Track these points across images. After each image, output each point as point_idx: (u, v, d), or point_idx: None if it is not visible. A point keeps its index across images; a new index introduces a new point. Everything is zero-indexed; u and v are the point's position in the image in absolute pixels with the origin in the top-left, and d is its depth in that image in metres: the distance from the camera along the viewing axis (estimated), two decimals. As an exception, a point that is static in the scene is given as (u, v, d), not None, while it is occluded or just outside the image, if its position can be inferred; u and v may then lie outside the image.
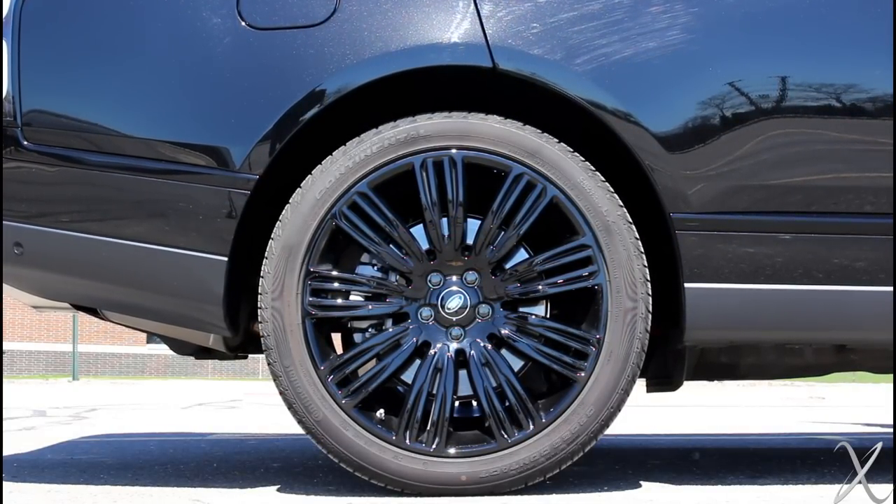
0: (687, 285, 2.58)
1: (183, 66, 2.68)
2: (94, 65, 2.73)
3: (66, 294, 2.79)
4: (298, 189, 2.59)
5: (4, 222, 2.71)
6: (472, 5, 2.60)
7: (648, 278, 2.57)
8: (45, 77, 2.73)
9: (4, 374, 26.02)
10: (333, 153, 2.59)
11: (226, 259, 2.59)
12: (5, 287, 2.89)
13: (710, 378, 3.21)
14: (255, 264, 2.70)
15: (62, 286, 2.76)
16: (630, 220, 2.58)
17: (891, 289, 2.62)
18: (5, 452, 3.97)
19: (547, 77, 2.58)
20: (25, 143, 2.69)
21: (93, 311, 2.92)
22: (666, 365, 2.98)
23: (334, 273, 2.61)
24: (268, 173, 2.59)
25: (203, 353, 3.18)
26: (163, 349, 31.24)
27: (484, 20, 2.59)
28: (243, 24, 2.63)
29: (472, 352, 2.60)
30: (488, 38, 2.59)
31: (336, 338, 2.83)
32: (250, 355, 3.26)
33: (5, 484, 2.87)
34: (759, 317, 2.61)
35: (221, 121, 2.65)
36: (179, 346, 3.17)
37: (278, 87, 2.61)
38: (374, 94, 2.67)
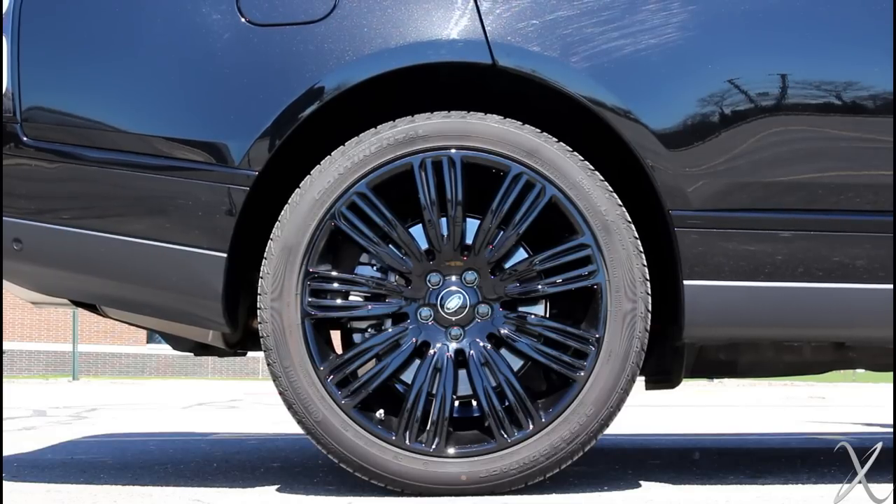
0: (686, 282, 2.58)
1: (182, 63, 2.68)
2: (93, 61, 2.73)
3: (65, 290, 2.79)
4: (297, 189, 2.59)
5: (3, 218, 2.71)
6: (472, 2, 2.60)
7: (648, 277, 2.57)
8: (44, 73, 2.73)
9: (4, 374, 26.00)
10: (332, 153, 2.59)
11: (225, 255, 2.59)
12: (4, 284, 2.89)
13: (709, 375, 3.22)
14: (254, 261, 2.70)
15: (61, 282, 2.76)
16: (629, 219, 2.58)
17: (890, 286, 2.62)
18: (5, 452, 3.97)
19: (547, 74, 2.58)
20: (25, 139, 2.69)
21: (92, 308, 2.92)
22: (665, 362, 2.98)
23: (333, 273, 2.61)
24: (267, 170, 2.59)
25: (202, 349, 3.18)
26: (163, 349, 31.23)
27: (483, 16, 2.59)
28: (243, 20, 2.63)
29: (472, 351, 2.60)
30: (488, 34, 2.58)
31: (335, 338, 2.83)
32: (250, 355, 3.26)
33: (5, 484, 2.87)
34: (758, 314, 2.61)
35: (221, 117, 2.65)
36: (178, 343, 3.16)
37: (278, 83, 2.60)
38: (375, 93, 2.67)
